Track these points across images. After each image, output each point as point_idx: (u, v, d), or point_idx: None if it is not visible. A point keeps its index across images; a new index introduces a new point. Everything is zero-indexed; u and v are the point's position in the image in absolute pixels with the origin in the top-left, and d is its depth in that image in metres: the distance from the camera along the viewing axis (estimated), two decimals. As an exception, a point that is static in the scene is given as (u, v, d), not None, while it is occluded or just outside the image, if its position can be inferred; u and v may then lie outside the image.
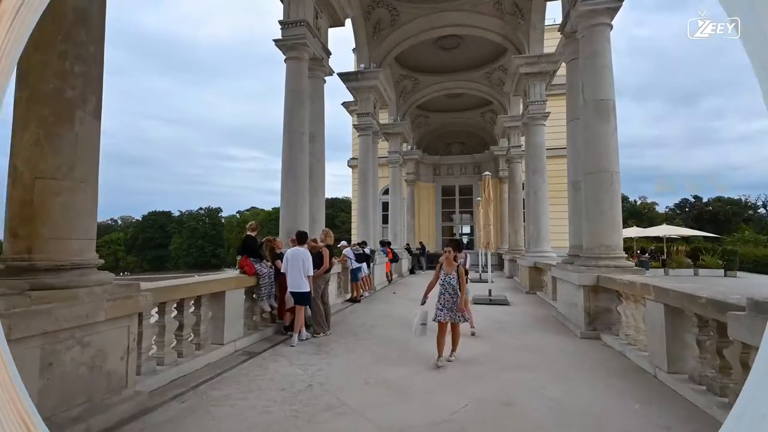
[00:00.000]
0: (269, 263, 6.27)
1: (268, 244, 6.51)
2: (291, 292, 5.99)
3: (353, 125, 13.80)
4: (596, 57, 6.88)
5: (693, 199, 54.57)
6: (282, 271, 6.08)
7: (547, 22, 12.96)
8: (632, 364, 4.77)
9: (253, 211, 71.63)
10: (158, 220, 70.27)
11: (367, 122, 13.24)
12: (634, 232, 25.89)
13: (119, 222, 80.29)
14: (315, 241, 6.69)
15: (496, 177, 20.20)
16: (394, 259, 15.25)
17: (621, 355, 5.20)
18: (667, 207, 56.09)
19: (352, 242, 12.86)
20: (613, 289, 5.98)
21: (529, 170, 12.80)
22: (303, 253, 6.08)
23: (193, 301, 4.68)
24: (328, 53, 9.03)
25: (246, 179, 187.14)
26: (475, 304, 8.58)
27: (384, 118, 18.33)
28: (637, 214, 49.84)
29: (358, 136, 13.64)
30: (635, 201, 56.30)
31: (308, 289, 6.01)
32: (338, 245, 11.59)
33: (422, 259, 20.80)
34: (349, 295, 10.26)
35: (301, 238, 6.33)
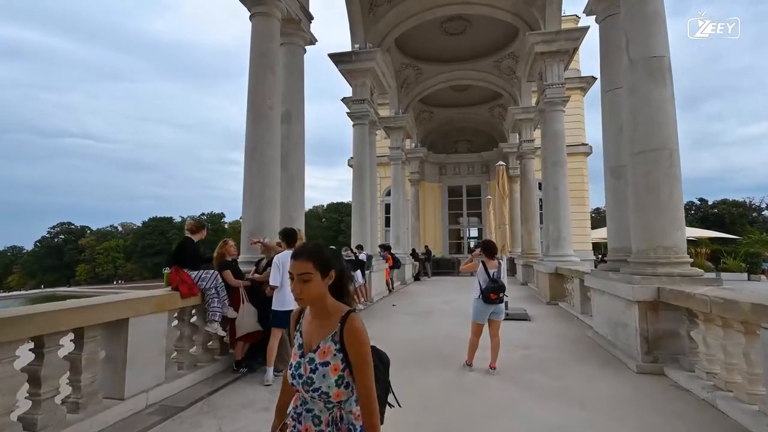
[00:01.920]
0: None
1: (220, 249, 4.94)
2: (285, 312, 4.22)
3: (346, 113, 12.22)
4: (645, 3, 5.30)
5: (698, 202, 54.26)
6: (272, 283, 4.31)
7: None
8: (737, 426, 3.13)
9: (256, 216, 70.41)
10: (159, 227, 69.15)
11: (363, 110, 11.68)
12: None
13: (119, 229, 79.40)
14: (280, 245, 5.02)
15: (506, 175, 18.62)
16: (395, 265, 13.58)
17: (710, 406, 3.56)
18: (672, 209, 55.69)
19: (351, 246, 11.26)
20: (681, 307, 4.38)
21: (548, 163, 11.15)
22: None
23: (72, 338, 3.11)
24: (309, 17, 7.46)
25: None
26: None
27: (385, 113, 16.83)
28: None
29: (353, 125, 12.05)
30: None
31: None
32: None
33: (428, 265, 19.16)
34: (338, 309, 8.68)
35: (290, 238, 4.61)
